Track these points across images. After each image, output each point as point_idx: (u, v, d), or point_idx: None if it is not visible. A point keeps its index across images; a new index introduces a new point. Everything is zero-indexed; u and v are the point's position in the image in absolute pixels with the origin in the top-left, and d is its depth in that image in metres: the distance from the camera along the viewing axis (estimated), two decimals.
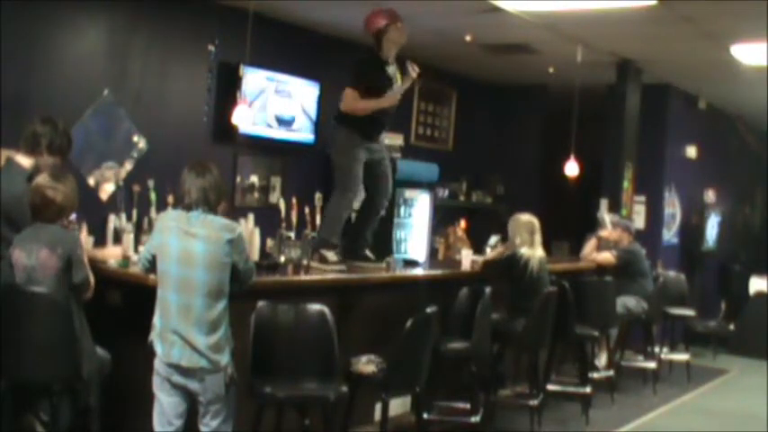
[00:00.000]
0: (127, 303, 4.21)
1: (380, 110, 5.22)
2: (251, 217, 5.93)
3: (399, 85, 5.28)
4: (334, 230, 5.29)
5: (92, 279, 3.89)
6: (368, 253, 5.48)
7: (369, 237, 5.52)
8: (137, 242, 5.01)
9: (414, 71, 5.24)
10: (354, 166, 5.24)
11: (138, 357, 3.76)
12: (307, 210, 6.91)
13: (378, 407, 4.73)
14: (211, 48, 6.59)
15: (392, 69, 5.30)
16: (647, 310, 7.20)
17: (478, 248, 6.70)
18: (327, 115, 7.18)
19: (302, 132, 7.33)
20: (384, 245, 7.26)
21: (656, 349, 7.80)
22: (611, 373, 6.94)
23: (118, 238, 5.20)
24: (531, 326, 5.43)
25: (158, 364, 3.60)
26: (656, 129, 9.20)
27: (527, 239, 5.63)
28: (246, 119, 6.31)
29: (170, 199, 5.82)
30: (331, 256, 5.20)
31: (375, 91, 5.17)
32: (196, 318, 3.53)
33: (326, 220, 5.36)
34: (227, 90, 6.60)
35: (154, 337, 3.61)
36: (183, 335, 3.52)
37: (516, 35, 7.16)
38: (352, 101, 5.14)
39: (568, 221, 8.88)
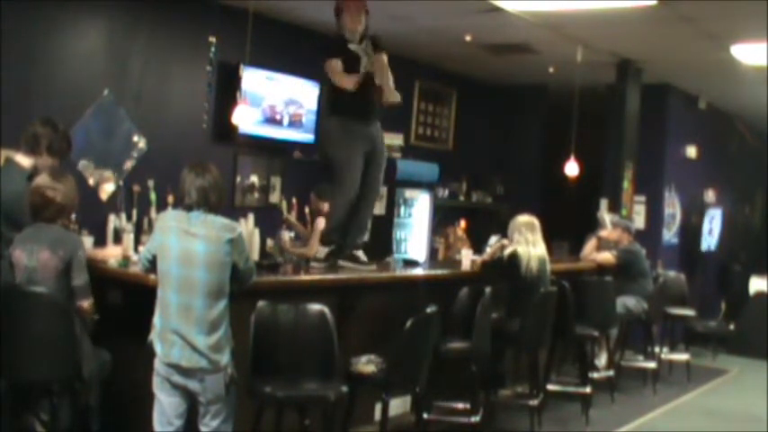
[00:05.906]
0: (127, 303, 4.20)
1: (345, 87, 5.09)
2: (251, 217, 5.92)
3: (362, 69, 5.08)
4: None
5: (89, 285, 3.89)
6: (358, 253, 5.28)
7: (359, 234, 5.34)
8: (137, 242, 5.01)
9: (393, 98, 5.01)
10: (353, 159, 5.15)
11: (138, 357, 3.75)
12: (307, 210, 6.91)
13: (378, 407, 4.73)
14: (212, 39, 6.58)
15: (357, 48, 5.17)
16: (647, 310, 7.19)
17: (478, 248, 6.70)
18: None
19: (302, 132, 7.32)
20: (384, 245, 7.27)
21: (656, 349, 7.80)
22: (611, 373, 6.94)
23: (118, 238, 5.20)
24: (530, 325, 5.44)
25: (158, 365, 3.60)
26: (656, 129, 9.20)
27: (524, 239, 5.65)
28: (246, 119, 6.29)
29: (170, 199, 5.83)
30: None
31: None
32: (196, 318, 3.53)
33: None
34: (227, 90, 6.60)
35: (154, 337, 3.60)
36: (184, 335, 3.52)
37: (516, 35, 7.16)
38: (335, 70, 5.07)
39: (568, 221, 8.87)
